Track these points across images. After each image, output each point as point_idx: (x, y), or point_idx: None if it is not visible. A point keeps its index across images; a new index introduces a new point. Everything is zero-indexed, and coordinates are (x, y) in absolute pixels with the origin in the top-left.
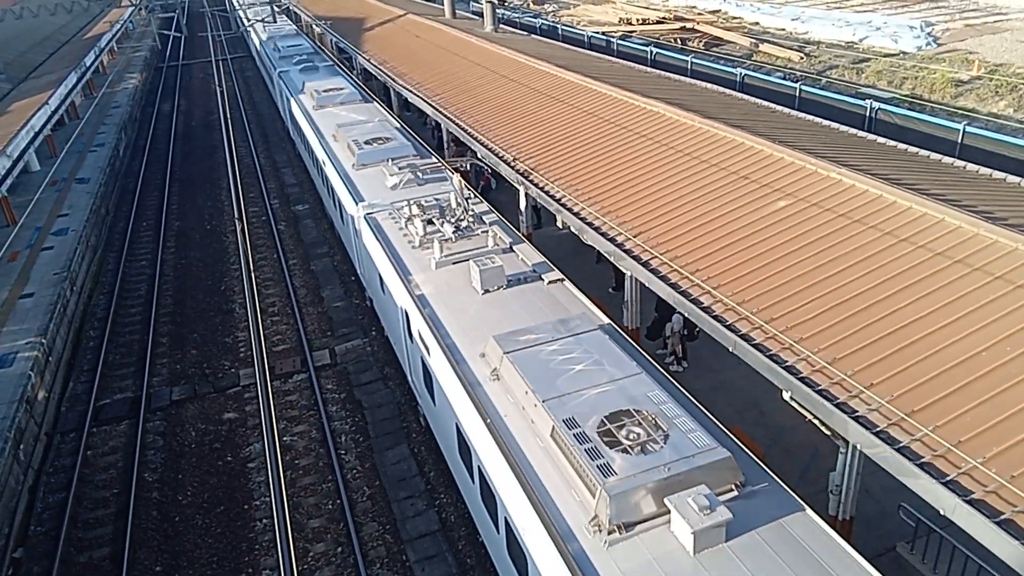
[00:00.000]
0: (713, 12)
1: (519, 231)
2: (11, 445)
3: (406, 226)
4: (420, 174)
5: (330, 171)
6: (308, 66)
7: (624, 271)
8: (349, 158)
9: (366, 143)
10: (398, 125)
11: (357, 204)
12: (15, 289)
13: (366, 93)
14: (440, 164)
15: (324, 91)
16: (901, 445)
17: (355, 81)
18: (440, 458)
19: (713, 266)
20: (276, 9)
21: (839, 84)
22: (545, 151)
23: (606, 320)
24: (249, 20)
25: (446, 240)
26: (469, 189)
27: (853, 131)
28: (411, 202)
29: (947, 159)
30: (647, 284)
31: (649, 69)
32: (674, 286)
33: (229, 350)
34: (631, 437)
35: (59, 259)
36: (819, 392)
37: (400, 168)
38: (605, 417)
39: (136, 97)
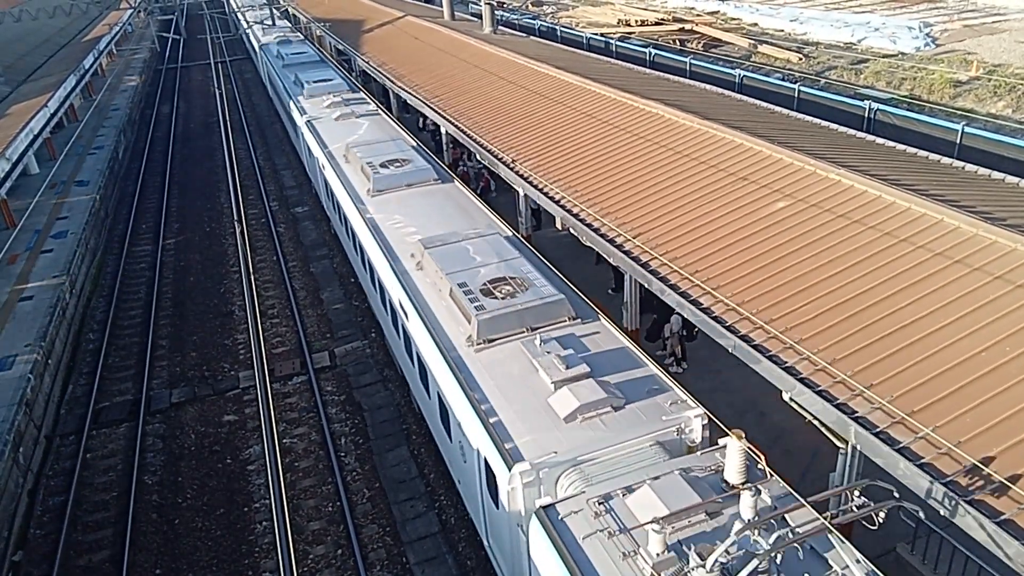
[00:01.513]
0: (711, 13)
1: (519, 233)
2: (10, 448)
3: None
4: (616, 388)
5: (420, 336)
6: (345, 114)
7: (623, 272)
8: (458, 322)
9: (485, 290)
10: (522, 243)
11: (509, 469)
12: (14, 292)
13: (443, 169)
14: (645, 360)
15: (383, 164)
16: (901, 445)
17: (420, 145)
18: (441, 462)
19: (712, 267)
20: (275, 12)
21: (838, 85)
22: (544, 153)
23: None
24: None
25: None
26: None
27: (852, 132)
28: (631, 482)
29: (946, 159)
30: (646, 285)
31: (648, 70)
32: (673, 287)
33: (228, 352)
34: None
35: (58, 262)
36: (819, 393)
37: (564, 359)
38: None
39: (135, 99)
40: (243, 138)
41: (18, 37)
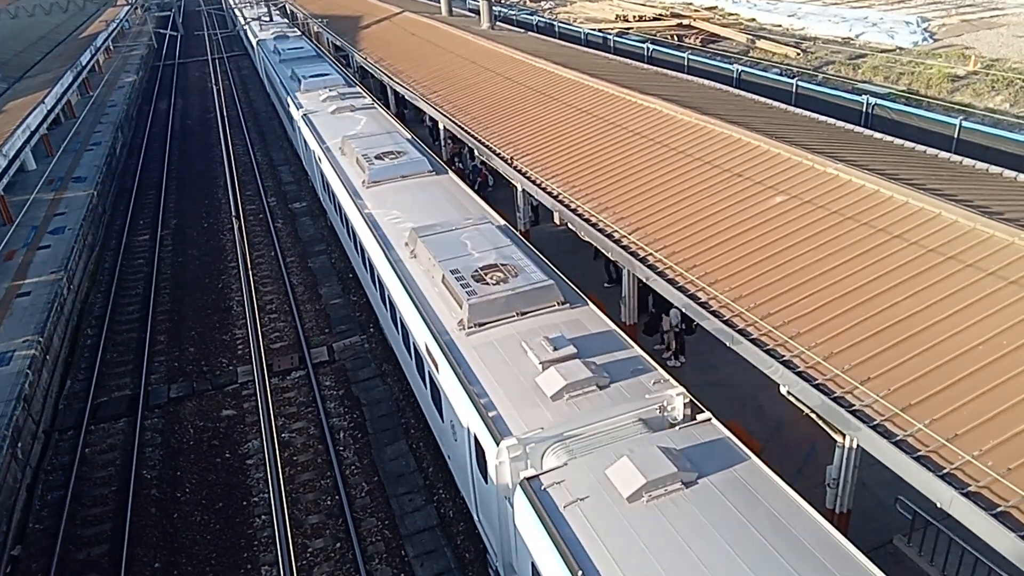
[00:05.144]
0: (710, 8)
1: (516, 229)
2: (9, 443)
3: None
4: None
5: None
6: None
7: (621, 267)
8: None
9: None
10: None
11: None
12: (12, 288)
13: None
14: None
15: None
16: (898, 439)
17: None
18: (440, 453)
19: (710, 262)
20: (272, 7)
21: (836, 80)
22: (542, 148)
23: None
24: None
25: None
26: None
27: (850, 127)
28: None
29: (944, 154)
30: (644, 280)
31: (646, 66)
32: (671, 282)
33: (227, 347)
34: None
35: (56, 258)
36: (816, 387)
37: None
38: None
39: (132, 96)
40: (240, 133)
41: (14, 34)
